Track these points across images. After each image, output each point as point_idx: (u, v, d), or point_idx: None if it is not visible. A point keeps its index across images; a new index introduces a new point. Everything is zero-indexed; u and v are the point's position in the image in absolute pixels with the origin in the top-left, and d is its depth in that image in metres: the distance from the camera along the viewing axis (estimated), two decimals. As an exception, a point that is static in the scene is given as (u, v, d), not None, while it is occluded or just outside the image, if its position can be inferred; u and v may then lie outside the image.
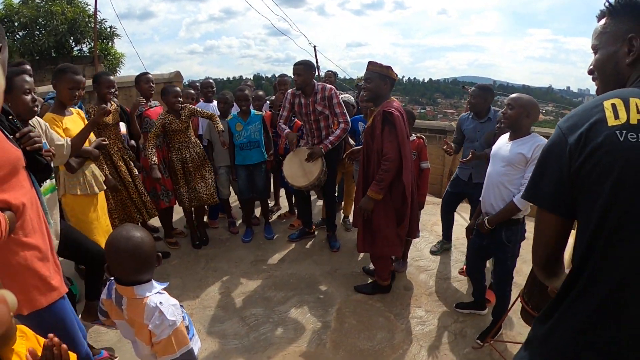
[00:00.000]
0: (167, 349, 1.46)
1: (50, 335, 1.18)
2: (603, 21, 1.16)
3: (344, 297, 3.51)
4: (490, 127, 3.61)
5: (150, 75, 4.20)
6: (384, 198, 3.16)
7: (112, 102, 3.61)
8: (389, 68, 3.14)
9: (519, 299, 2.45)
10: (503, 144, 2.76)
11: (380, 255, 3.42)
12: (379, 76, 3.12)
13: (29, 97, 2.13)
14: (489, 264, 3.57)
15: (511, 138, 2.70)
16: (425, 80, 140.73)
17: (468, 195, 3.92)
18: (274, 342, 2.98)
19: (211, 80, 5.03)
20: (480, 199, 2.90)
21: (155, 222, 4.57)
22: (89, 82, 3.39)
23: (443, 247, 4.28)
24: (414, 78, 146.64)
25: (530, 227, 4.49)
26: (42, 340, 1.32)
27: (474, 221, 3.06)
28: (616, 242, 0.99)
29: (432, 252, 4.25)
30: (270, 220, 4.85)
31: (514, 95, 2.70)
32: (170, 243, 4.40)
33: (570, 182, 1.05)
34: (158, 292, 1.54)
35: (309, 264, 4.09)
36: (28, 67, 2.97)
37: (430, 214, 5.06)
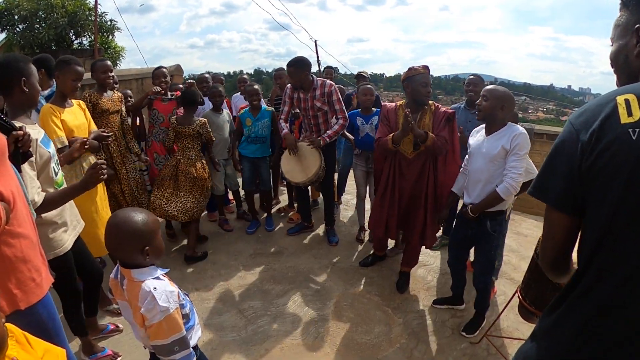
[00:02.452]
0: (158, 334, 1.48)
1: None
2: (619, 13, 1.14)
3: (342, 291, 3.52)
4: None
5: (165, 70, 4.15)
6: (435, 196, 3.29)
7: (115, 91, 3.57)
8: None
9: (516, 294, 2.45)
10: (481, 140, 2.77)
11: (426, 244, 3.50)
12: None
13: (38, 87, 2.14)
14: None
15: (487, 132, 2.73)
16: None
17: None
18: (271, 335, 2.99)
19: (207, 75, 4.92)
20: (464, 191, 2.94)
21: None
22: (88, 76, 3.36)
23: (442, 243, 4.23)
24: None
25: (527, 224, 4.46)
26: (31, 338, 1.31)
27: (446, 211, 3.17)
28: (624, 240, 0.98)
29: (431, 248, 4.17)
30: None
31: (489, 86, 2.71)
32: (169, 234, 4.42)
33: (580, 180, 1.04)
34: (157, 278, 1.56)
35: (307, 257, 4.09)
36: None
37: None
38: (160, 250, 1.61)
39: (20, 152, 1.73)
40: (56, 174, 2.20)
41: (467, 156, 2.98)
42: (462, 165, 3.06)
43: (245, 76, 5.40)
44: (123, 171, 3.60)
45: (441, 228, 3.56)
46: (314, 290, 3.53)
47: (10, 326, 1.27)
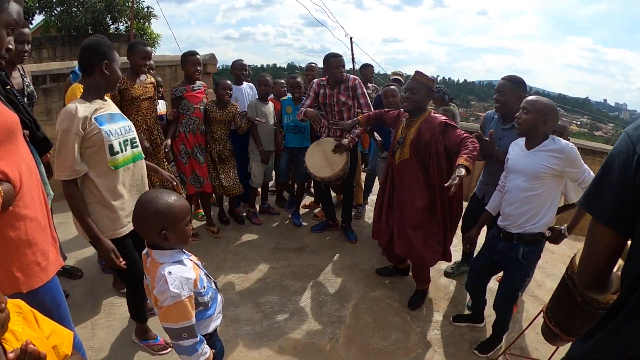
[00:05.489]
0: (167, 317, 1.51)
1: (28, 341, 1.07)
2: None
3: (362, 293, 3.46)
4: (514, 136, 2.84)
5: (199, 57, 3.93)
6: (441, 202, 3.07)
7: (149, 75, 3.48)
8: (433, 81, 3.07)
9: (541, 314, 2.37)
10: (520, 154, 2.53)
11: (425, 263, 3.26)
12: (425, 88, 3.02)
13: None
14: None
15: (529, 146, 2.46)
16: (460, 81, 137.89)
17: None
18: (286, 332, 2.97)
19: (244, 62, 4.80)
20: (500, 211, 2.69)
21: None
22: (123, 60, 3.32)
23: (460, 270, 3.83)
24: (449, 78, 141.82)
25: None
26: (39, 316, 1.30)
27: (477, 230, 2.90)
28: None
29: (447, 274, 3.82)
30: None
31: (530, 97, 2.44)
32: (212, 231, 4.33)
33: (633, 195, 0.98)
34: (179, 262, 1.57)
35: (329, 256, 4.05)
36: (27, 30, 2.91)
37: (455, 217, 4.94)
38: (185, 237, 1.60)
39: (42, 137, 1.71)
40: (116, 154, 2.20)
41: (504, 172, 2.71)
42: (500, 182, 2.78)
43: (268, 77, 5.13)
44: (154, 162, 3.45)
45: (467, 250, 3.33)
46: (334, 291, 3.49)
47: (19, 302, 1.26)
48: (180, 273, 1.52)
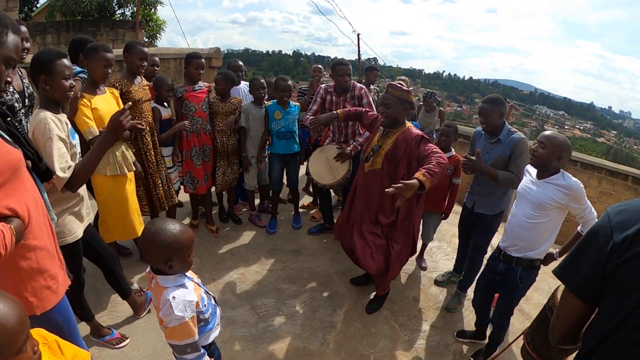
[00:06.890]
0: (173, 336, 1.64)
1: None
2: None
3: (354, 300, 3.57)
4: (500, 149, 3.11)
5: (203, 60, 3.97)
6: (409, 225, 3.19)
7: (142, 78, 3.50)
8: (409, 93, 3.11)
9: (522, 336, 2.47)
10: (530, 182, 2.64)
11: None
12: (399, 101, 3.07)
13: (67, 83, 2.10)
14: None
15: (540, 176, 2.58)
16: (466, 78, 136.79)
17: (473, 225, 3.46)
18: (280, 336, 3.08)
19: (241, 64, 4.85)
20: (505, 228, 2.81)
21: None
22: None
23: (450, 280, 3.95)
24: (454, 74, 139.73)
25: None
26: (61, 343, 1.41)
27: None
28: (629, 342, 1.02)
29: (437, 283, 3.95)
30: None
31: (548, 133, 2.55)
32: (211, 230, 4.42)
33: (604, 277, 1.07)
34: (180, 286, 1.67)
35: (325, 260, 4.14)
36: (24, 28, 2.81)
37: (452, 224, 4.81)
38: (187, 265, 1.70)
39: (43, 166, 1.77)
40: None
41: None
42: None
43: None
44: (153, 163, 3.54)
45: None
46: (327, 296, 3.60)
47: (44, 333, 1.37)
48: (183, 297, 1.62)
